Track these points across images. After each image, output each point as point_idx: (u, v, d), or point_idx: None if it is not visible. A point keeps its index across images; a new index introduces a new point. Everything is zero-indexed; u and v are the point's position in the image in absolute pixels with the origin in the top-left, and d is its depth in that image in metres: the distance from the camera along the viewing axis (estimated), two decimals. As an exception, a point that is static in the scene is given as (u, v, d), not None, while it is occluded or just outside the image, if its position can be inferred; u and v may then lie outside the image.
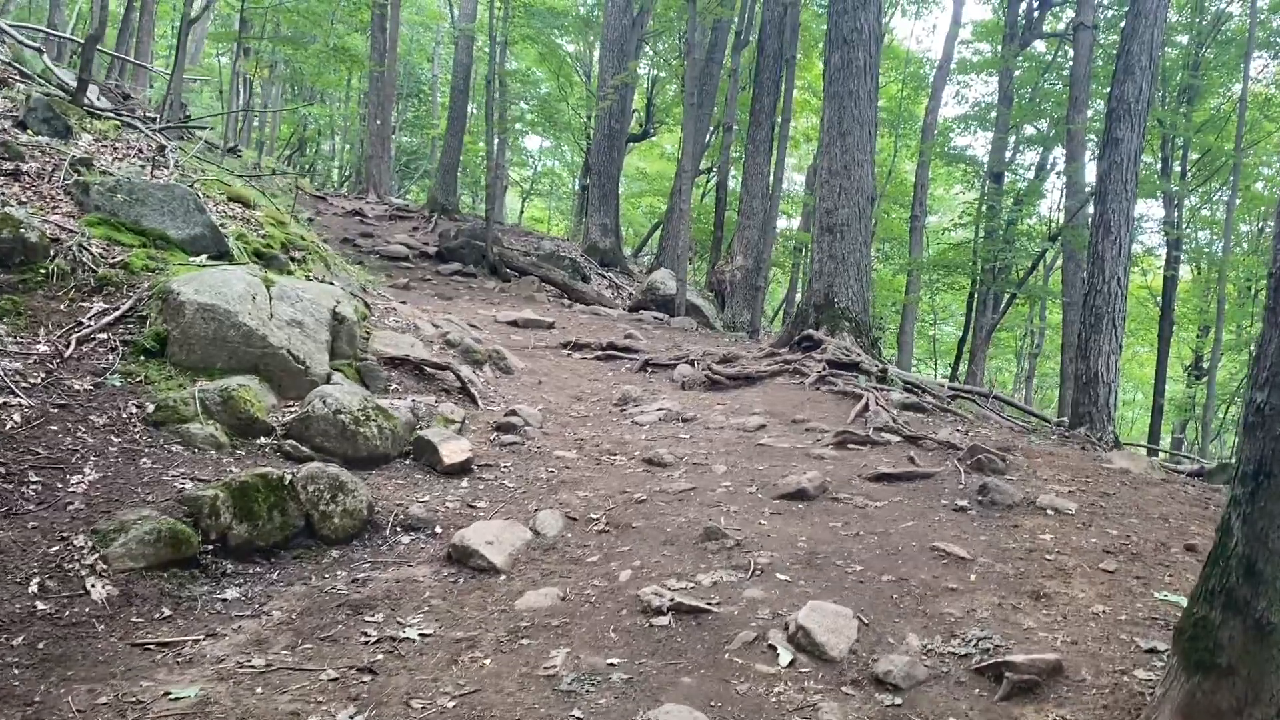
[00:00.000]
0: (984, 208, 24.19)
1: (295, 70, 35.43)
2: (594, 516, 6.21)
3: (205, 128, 13.39)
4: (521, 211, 41.08)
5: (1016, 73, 25.56)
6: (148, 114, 20.92)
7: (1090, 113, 21.63)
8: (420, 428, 7.65)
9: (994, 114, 26.98)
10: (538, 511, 6.23)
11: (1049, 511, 6.25)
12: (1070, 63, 26.51)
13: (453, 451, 7.08)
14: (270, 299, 7.56)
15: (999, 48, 27.38)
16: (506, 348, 11.24)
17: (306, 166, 37.16)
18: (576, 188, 35.67)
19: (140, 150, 10.61)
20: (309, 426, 6.73)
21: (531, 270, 21.20)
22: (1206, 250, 28.61)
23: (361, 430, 6.85)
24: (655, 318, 16.84)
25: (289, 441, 6.64)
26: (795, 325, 12.05)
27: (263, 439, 6.63)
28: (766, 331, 24.44)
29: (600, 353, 11.37)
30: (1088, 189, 21.63)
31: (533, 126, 35.04)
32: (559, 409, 9.10)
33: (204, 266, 7.82)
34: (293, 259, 9.86)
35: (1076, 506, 6.33)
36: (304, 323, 7.62)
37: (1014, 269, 22.96)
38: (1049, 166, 29.07)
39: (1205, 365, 29.69)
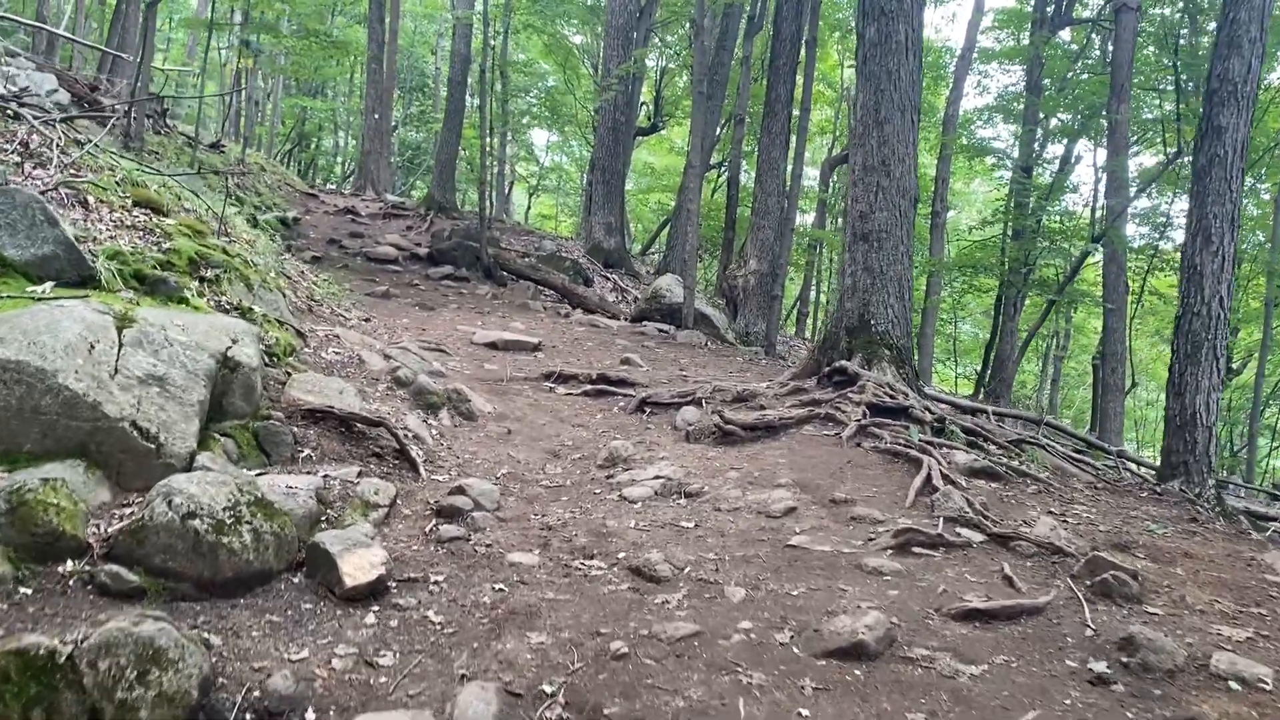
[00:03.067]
0: (1013, 204, 21.80)
1: (295, 63, 33.34)
2: (548, 690, 3.95)
3: (110, 116, 11.11)
4: (529, 208, 38.78)
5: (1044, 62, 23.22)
6: (117, 105, 18.72)
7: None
8: (327, 520, 5.42)
9: (1021, 104, 24.61)
10: (465, 680, 3.99)
11: (1233, 684, 3.97)
12: (1099, 51, 24.23)
13: (358, 567, 4.82)
14: (120, 346, 5.30)
15: (1024, 36, 25.05)
16: (477, 381, 8.99)
17: (307, 163, 34.95)
18: (584, 183, 33.38)
19: (25, 145, 8.37)
20: (143, 541, 4.48)
21: (529, 274, 18.95)
22: (1243, 247, 26.25)
23: (226, 541, 4.60)
24: (659, 330, 14.56)
25: (109, 567, 4.38)
26: (823, 351, 9.74)
27: (71, 564, 4.37)
28: (783, 339, 22.12)
29: (589, 386, 9.09)
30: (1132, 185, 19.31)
31: (537, 120, 32.79)
32: (528, 474, 6.83)
33: (39, 300, 5.58)
34: (203, 279, 7.61)
35: (1272, 674, 4.05)
36: (168, 378, 5.37)
37: (1054, 270, 20.55)
38: (1074, 159, 26.74)
39: (1235, 366, 27.29)
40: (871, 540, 5.42)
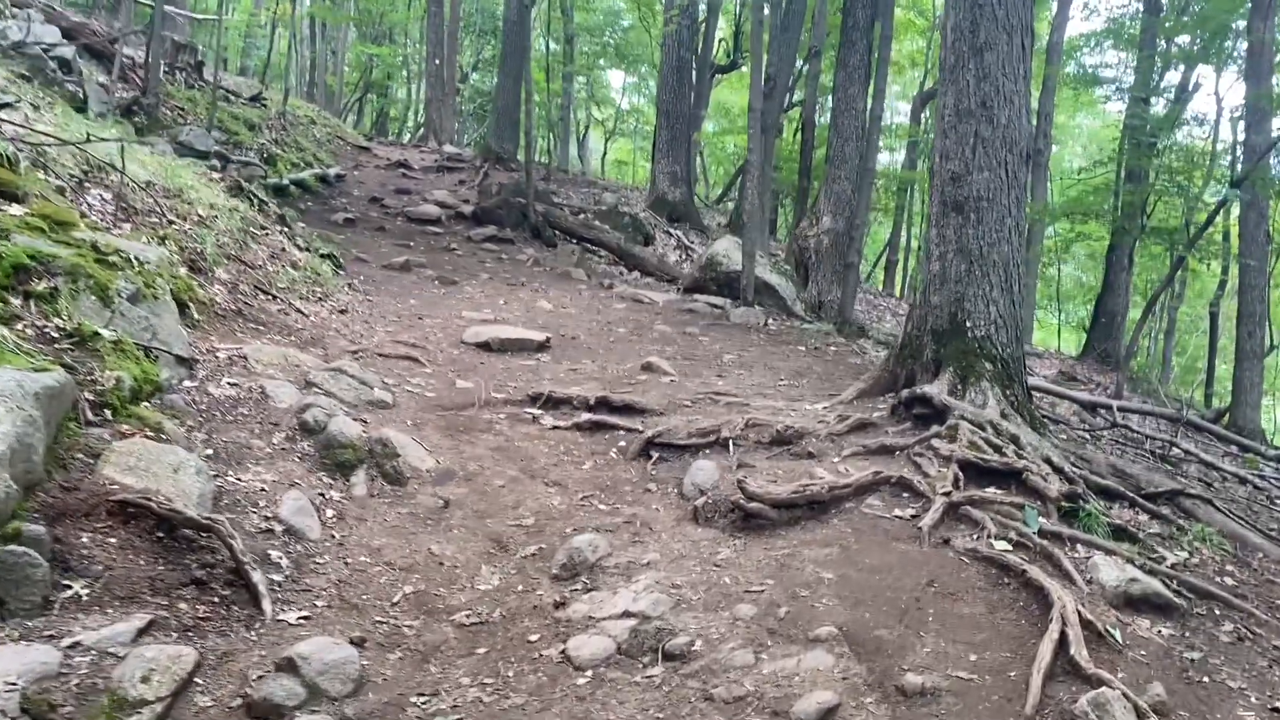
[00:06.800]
0: (1128, 142, 18.39)
1: (364, 8, 31.11)
2: None
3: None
4: (605, 154, 35.99)
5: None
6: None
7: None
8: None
9: (1137, 27, 21.02)
10: None
11: None
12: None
13: None
14: None
15: (1138, -51, 21.40)
16: (438, 411, 6.55)
17: (376, 113, 32.73)
18: (658, 127, 30.49)
19: None
20: None
21: (581, 232, 16.43)
22: None
23: None
24: (712, 306, 11.91)
25: None
26: (900, 360, 7.04)
27: None
28: (868, 297, 19.20)
29: (586, 416, 6.55)
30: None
31: (609, 61, 29.96)
32: (442, 596, 4.37)
33: None
34: (29, 295, 5.28)
35: None
36: None
37: (1177, 215, 17.19)
38: (1192, 88, 23.03)
39: None
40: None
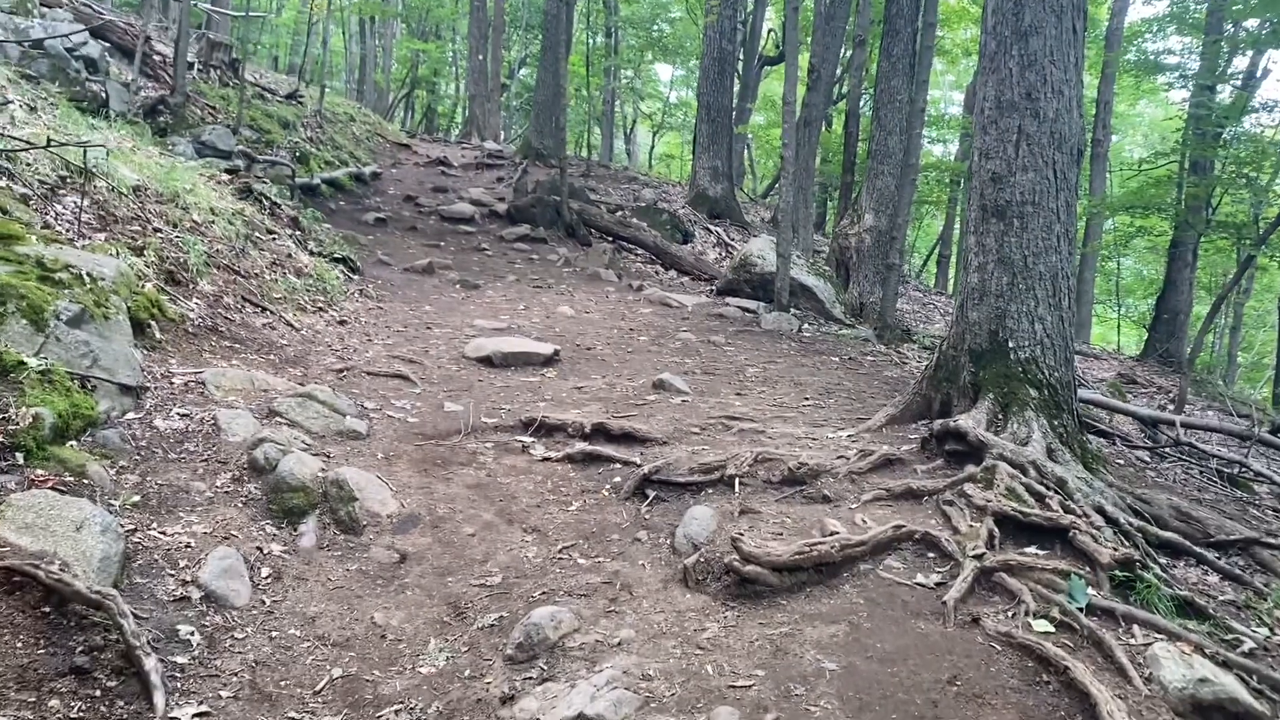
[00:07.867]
0: (1191, 132, 17.20)
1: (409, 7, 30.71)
2: None
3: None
4: (652, 148, 35.17)
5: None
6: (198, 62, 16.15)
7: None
8: None
9: (1203, 11, 19.73)
10: None
11: None
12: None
13: None
14: None
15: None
16: (417, 439, 5.85)
17: (422, 110, 32.24)
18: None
19: None
20: None
21: (616, 231, 15.71)
22: None
23: None
24: (744, 311, 11.11)
25: None
26: (934, 383, 6.20)
27: None
28: (916, 296, 18.22)
29: (580, 446, 5.81)
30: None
31: (657, 55, 29.13)
32: (371, 681, 3.67)
33: None
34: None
35: None
36: None
37: (1244, 210, 15.99)
38: (1261, 74, 21.61)
39: None
40: None
